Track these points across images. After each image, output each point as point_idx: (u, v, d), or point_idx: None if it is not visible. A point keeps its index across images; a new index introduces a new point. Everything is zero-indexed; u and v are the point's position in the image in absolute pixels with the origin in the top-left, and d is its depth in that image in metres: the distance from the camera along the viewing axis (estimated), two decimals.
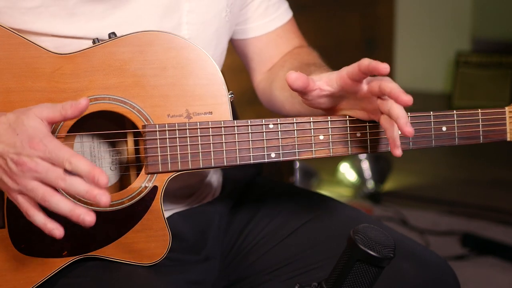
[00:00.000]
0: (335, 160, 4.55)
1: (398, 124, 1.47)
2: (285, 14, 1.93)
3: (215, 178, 1.87)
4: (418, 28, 6.76)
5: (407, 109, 1.50)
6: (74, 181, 1.36)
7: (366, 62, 1.48)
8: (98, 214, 1.52)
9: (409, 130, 1.45)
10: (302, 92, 1.55)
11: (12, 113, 1.43)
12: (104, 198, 1.35)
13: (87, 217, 1.37)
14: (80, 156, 1.37)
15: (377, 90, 1.49)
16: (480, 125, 1.67)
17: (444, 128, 1.64)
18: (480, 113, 1.67)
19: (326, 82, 1.56)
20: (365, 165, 4.48)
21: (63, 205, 1.37)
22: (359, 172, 4.48)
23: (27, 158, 1.37)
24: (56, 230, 1.40)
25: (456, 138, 1.65)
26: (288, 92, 1.76)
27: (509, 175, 4.83)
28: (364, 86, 1.53)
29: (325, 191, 4.31)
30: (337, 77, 1.54)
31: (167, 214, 1.72)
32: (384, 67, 1.45)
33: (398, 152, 1.49)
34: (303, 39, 1.98)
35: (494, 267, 3.53)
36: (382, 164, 4.52)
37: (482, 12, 6.57)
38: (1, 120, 1.42)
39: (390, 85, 1.47)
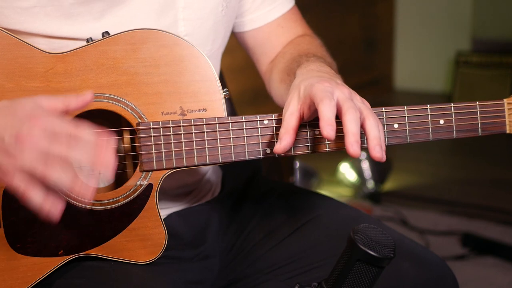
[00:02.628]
0: (335, 160, 4.55)
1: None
2: (285, 3, 1.92)
3: (214, 177, 1.87)
4: (418, 28, 6.78)
5: (404, 103, 1.49)
6: (81, 148, 1.32)
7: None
8: (94, 212, 1.52)
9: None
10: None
11: (7, 100, 1.41)
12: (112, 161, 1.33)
13: (88, 191, 1.32)
14: (83, 127, 1.33)
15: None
16: (479, 118, 1.66)
17: (441, 121, 1.63)
18: (478, 106, 1.65)
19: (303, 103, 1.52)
20: (365, 165, 4.48)
21: (65, 177, 1.32)
22: (359, 172, 4.48)
23: (27, 130, 1.31)
24: (54, 209, 1.34)
25: (454, 131, 1.64)
26: (285, 84, 1.76)
27: (509, 175, 4.83)
28: None
29: (325, 191, 4.31)
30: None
31: (165, 213, 1.72)
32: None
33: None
34: (307, 27, 1.96)
35: (494, 267, 3.53)
36: (382, 164, 4.51)
37: (482, 12, 6.58)
38: None
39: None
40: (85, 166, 1.33)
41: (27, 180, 1.33)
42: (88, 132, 1.32)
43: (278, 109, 1.78)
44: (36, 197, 1.34)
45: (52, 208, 1.34)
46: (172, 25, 1.65)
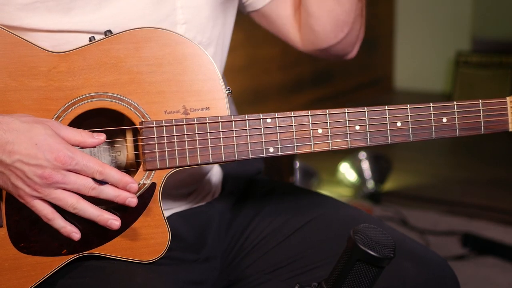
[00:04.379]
0: (335, 160, 4.55)
1: None
2: None
3: (215, 178, 1.87)
4: (418, 28, 6.78)
5: (404, 103, 1.49)
6: (105, 189, 1.47)
7: None
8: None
9: None
10: None
11: (19, 121, 1.44)
12: (134, 201, 1.49)
13: (115, 222, 1.50)
14: (108, 165, 1.46)
15: None
16: (481, 116, 1.66)
17: (444, 120, 1.63)
18: (480, 104, 1.66)
19: None
20: (365, 165, 4.48)
21: (92, 211, 1.47)
22: (359, 172, 4.48)
23: (53, 171, 1.43)
24: (75, 233, 1.49)
25: (457, 129, 1.64)
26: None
27: (509, 175, 4.83)
28: None
29: (325, 191, 4.30)
30: None
31: (166, 214, 1.71)
32: None
33: None
34: None
35: (494, 267, 3.53)
36: (382, 164, 4.52)
37: (482, 12, 6.59)
38: (8, 126, 1.43)
39: None
40: (109, 200, 1.49)
41: (48, 206, 1.47)
42: (114, 172, 1.46)
43: (278, 109, 1.79)
44: (59, 222, 1.48)
45: (72, 233, 1.49)
46: (170, 13, 1.65)
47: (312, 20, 1.83)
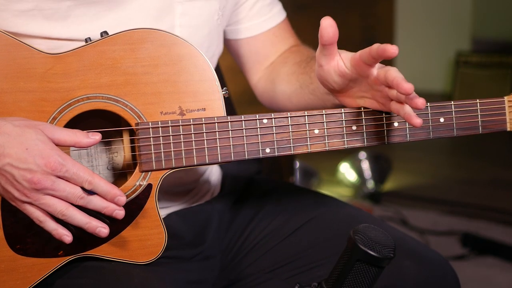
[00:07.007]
0: (335, 160, 4.54)
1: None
2: (280, 14, 1.94)
3: (214, 177, 1.87)
4: (418, 28, 6.78)
5: None
6: (93, 199, 1.47)
7: (375, 46, 1.45)
8: (93, 213, 1.52)
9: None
10: (326, 48, 1.52)
11: (12, 124, 1.44)
12: (121, 213, 1.49)
13: (104, 230, 1.49)
14: (98, 176, 1.45)
15: (383, 77, 1.47)
16: (479, 116, 1.65)
17: (442, 119, 1.63)
18: (478, 103, 1.65)
19: (343, 58, 1.54)
20: (365, 165, 4.48)
21: (80, 218, 1.47)
22: (359, 172, 4.48)
23: (42, 176, 1.42)
24: (66, 236, 1.47)
25: (455, 129, 1.64)
26: (297, 84, 1.76)
27: (509, 175, 4.83)
28: (374, 71, 1.51)
29: (325, 191, 4.28)
30: (352, 57, 1.52)
31: (165, 213, 1.72)
32: (392, 48, 1.42)
33: (417, 121, 1.46)
34: (297, 39, 1.98)
35: (494, 267, 3.53)
36: (382, 164, 4.51)
37: (482, 12, 6.58)
38: (0, 130, 1.43)
39: (394, 74, 1.45)
40: (97, 211, 1.49)
41: (39, 210, 1.46)
42: (104, 182, 1.46)
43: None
44: (50, 225, 1.48)
45: (64, 236, 1.48)
46: (169, 30, 1.65)
47: (276, 101, 1.89)
